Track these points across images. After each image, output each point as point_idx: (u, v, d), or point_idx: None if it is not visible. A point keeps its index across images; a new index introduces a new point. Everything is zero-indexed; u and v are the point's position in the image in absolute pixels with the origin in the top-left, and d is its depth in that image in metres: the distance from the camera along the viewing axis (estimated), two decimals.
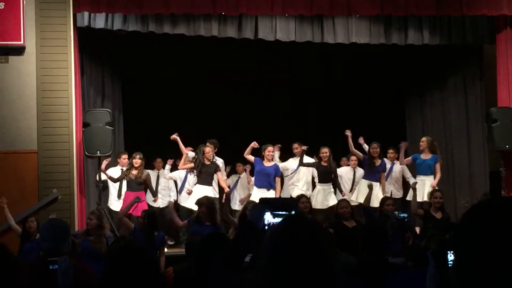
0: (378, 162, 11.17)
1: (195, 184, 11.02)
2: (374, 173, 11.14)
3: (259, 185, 10.84)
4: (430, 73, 13.38)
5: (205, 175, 10.89)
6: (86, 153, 10.06)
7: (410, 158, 11.11)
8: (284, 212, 3.16)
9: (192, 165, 11.05)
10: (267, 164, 10.89)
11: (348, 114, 13.82)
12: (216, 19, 11.01)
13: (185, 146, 11.34)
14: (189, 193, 10.99)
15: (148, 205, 10.95)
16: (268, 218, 3.18)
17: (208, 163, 10.90)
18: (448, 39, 11.80)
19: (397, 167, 11.60)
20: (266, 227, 3.18)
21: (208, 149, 10.94)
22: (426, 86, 13.54)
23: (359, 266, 4.69)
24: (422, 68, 13.42)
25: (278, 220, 3.17)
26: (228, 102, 13.58)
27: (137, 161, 10.71)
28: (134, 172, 10.72)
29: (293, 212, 3.20)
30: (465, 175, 12.24)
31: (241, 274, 3.32)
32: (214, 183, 11.11)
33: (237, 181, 12.42)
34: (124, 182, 10.95)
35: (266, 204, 3.26)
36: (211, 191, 10.73)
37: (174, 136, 11.12)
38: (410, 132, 13.87)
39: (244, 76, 13.37)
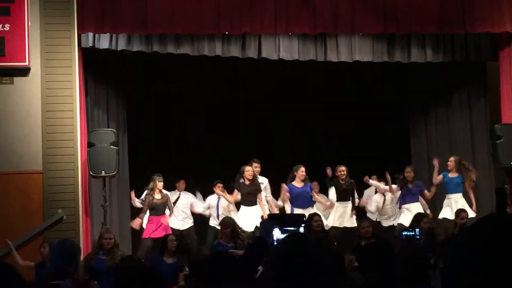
0: (412, 184, 11.19)
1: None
2: (411, 195, 11.17)
3: (301, 206, 10.71)
4: (434, 90, 13.39)
5: (247, 196, 10.82)
6: (91, 173, 10.06)
7: (441, 176, 11.20)
8: (292, 228, 3.17)
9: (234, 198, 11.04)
10: (301, 185, 10.86)
11: (352, 132, 13.84)
12: (220, 39, 11.06)
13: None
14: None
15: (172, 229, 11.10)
16: (277, 234, 3.19)
17: (247, 183, 10.81)
18: (451, 57, 11.82)
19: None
20: (275, 243, 3.19)
21: (248, 168, 10.87)
22: (431, 103, 13.54)
23: (365, 285, 4.66)
24: (427, 85, 13.43)
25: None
26: (233, 121, 13.58)
27: (159, 184, 10.79)
28: (158, 196, 10.75)
29: (301, 229, 3.21)
30: None
31: None
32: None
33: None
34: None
35: (275, 220, 3.26)
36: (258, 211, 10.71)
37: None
38: (415, 149, 13.87)
39: (248, 95, 13.38)
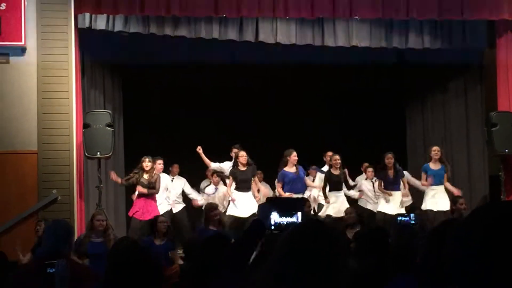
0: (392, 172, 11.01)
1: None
2: (394, 183, 10.93)
3: (297, 191, 10.61)
4: (431, 76, 13.38)
5: (242, 182, 10.65)
6: (86, 154, 10.04)
7: (430, 178, 10.77)
8: (291, 212, 3.18)
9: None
10: (293, 169, 10.76)
11: (348, 118, 13.82)
12: (217, 22, 11.02)
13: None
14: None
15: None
16: (275, 217, 3.19)
17: (243, 168, 10.66)
18: (448, 43, 11.80)
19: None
20: (273, 227, 3.20)
21: (242, 153, 10.65)
22: (427, 90, 13.54)
23: (359, 271, 4.68)
24: (423, 71, 13.41)
25: (284, 219, 3.18)
26: (229, 106, 13.55)
27: (147, 165, 10.57)
28: (146, 176, 10.59)
29: (299, 214, 3.21)
30: (465, 179, 12.23)
31: (246, 275, 3.32)
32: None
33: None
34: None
35: (273, 203, 3.27)
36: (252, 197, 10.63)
37: (198, 150, 11.07)
38: (411, 136, 13.88)
39: (246, 79, 13.31)
